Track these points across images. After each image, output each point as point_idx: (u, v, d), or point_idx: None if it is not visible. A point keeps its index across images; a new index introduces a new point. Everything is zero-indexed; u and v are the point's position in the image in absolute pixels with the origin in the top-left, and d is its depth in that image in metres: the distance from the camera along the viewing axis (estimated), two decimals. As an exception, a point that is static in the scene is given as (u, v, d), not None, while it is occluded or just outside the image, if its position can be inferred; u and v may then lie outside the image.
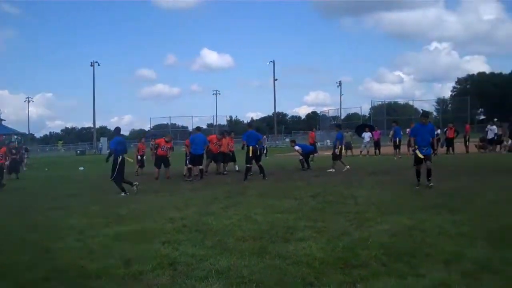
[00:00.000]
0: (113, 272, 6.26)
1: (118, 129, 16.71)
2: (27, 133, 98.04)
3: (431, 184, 13.52)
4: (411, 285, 5.27)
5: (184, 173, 20.70)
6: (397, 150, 29.41)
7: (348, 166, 20.91)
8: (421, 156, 13.86)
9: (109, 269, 6.37)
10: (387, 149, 33.81)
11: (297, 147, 22.95)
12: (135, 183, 15.48)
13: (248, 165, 18.47)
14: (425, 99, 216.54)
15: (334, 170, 20.58)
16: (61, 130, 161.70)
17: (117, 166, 15.16)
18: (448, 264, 5.95)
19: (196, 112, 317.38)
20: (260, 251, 7.01)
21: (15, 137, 75.87)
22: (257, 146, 18.62)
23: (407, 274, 5.64)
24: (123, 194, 14.96)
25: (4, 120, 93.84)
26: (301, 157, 22.66)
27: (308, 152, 23.19)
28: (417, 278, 5.47)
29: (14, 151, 26.47)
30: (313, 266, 6.10)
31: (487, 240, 7.15)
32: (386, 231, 8.04)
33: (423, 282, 5.34)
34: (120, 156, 15.30)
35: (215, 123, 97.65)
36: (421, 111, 16.68)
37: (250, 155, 18.27)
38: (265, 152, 33.75)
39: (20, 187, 20.02)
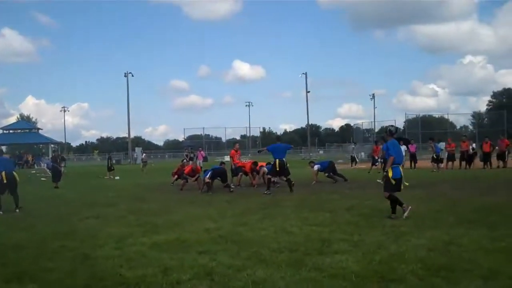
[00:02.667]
0: (151, 280, 6.37)
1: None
2: (64, 142, 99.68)
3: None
4: (449, 300, 5.24)
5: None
6: (437, 164, 30.08)
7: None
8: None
9: (148, 278, 6.48)
10: (422, 163, 33.64)
11: (315, 167, 22.97)
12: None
13: (270, 177, 18.64)
14: (460, 112, 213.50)
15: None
16: (97, 140, 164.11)
17: None
18: (486, 280, 5.90)
19: (229, 123, 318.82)
20: (296, 263, 7.04)
21: (52, 146, 77.43)
22: (284, 159, 18.50)
23: (445, 289, 5.62)
24: None
25: (41, 129, 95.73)
26: (326, 174, 22.82)
27: (326, 168, 23.10)
28: (455, 294, 5.44)
29: (58, 160, 27.49)
30: (349, 279, 6.11)
31: (526, 257, 7.07)
32: (423, 245, 7.99)
33: (461, 298, 5.31)
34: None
35: (248, 135, 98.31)
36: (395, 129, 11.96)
37: (277, 168, 18.29)
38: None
39: (57, 195, 20.35)
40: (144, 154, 47.45)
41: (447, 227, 9.56)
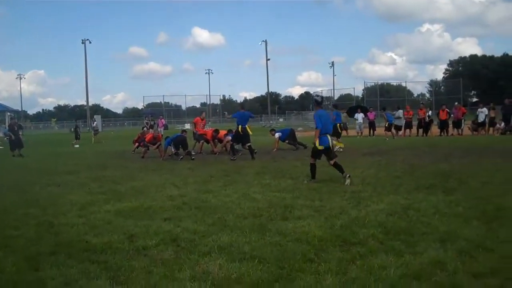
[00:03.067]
0: (117, 246, 6.42)
1: None
2: (20, 110, 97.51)
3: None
4: (408, 262, 5.41)
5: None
6: (396, 131, 31.49)
7: (342, 146, 21.26)
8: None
9: (114, 244, 6.53)
10: (381, 130, 34.19)
11: (276, 134, 23.13)
12: None
13: (233, 143, 19.19)
14: (417, 80, 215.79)
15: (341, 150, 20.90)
16: (54, 108, 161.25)
17: None
18: (444, 243, 6.12)
19: (189, 91, 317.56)
20: (260, 228, 7.17)
21: (9, 114, 75.57)
22: (246, 127, 18.86)
23: (404, 251, 5.81)
24: None
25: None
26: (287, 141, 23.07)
27: (288, 136, 23.33)
28: (414, 256, 5.63)
29: (16, 128, 26.44)
30: (312, 243, 6.26)
31: (481, 220, 7.33)
32: (382, 210, 8.21)
33: (420, 259, 5.50)
34: None
35: (208, 102, 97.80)
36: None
37: (240, 134, 18.75)
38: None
39: (18, 164, 20.08)
40: (95, 122, 45.37)
41: (405, 193, 9.84)
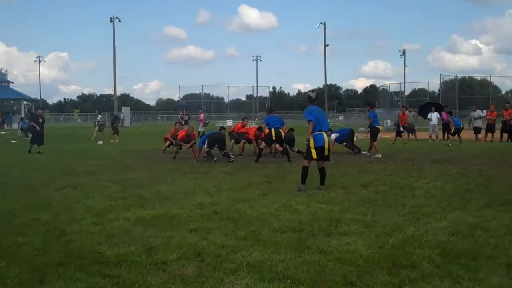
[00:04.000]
0: (133, 259, 6.62)
1: None
2: (39, 98, 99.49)
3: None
4: (466, 290, 5.47)
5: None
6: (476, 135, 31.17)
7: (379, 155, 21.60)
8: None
9: (130, 257, 6.74)
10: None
11: (333, 135, 23.11)
12: None
13: (263, 147, 20.42)
14: (507, 75, 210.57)
15: (380, 156, 21.11)
16: (77, 97, 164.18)
17: None
18: (511, 269, 6.13)
19: (233, 80, 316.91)
20: (298, 244, 7.29)
21: (25, 103, 77.45)
22: (280, 129, 19.75)
23: (462, 277, 5.83)
24: None
25: (12, 83, 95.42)
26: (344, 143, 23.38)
27: (346, 137, 23.44)
28: (473, 283, 5.65)
29: (40, 120, 26.36)
30: (356, 264, 6.35)
31: (560, 244, 7.29)
32: (445, 228, 8.22)
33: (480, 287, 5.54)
34: None
35: (255, 95, 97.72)
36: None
37: (273, 138, 19.66)
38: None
39: (32, 161, 20.67)
40: (100, 116, 43.43)
41: (475, 209, 9.80)
